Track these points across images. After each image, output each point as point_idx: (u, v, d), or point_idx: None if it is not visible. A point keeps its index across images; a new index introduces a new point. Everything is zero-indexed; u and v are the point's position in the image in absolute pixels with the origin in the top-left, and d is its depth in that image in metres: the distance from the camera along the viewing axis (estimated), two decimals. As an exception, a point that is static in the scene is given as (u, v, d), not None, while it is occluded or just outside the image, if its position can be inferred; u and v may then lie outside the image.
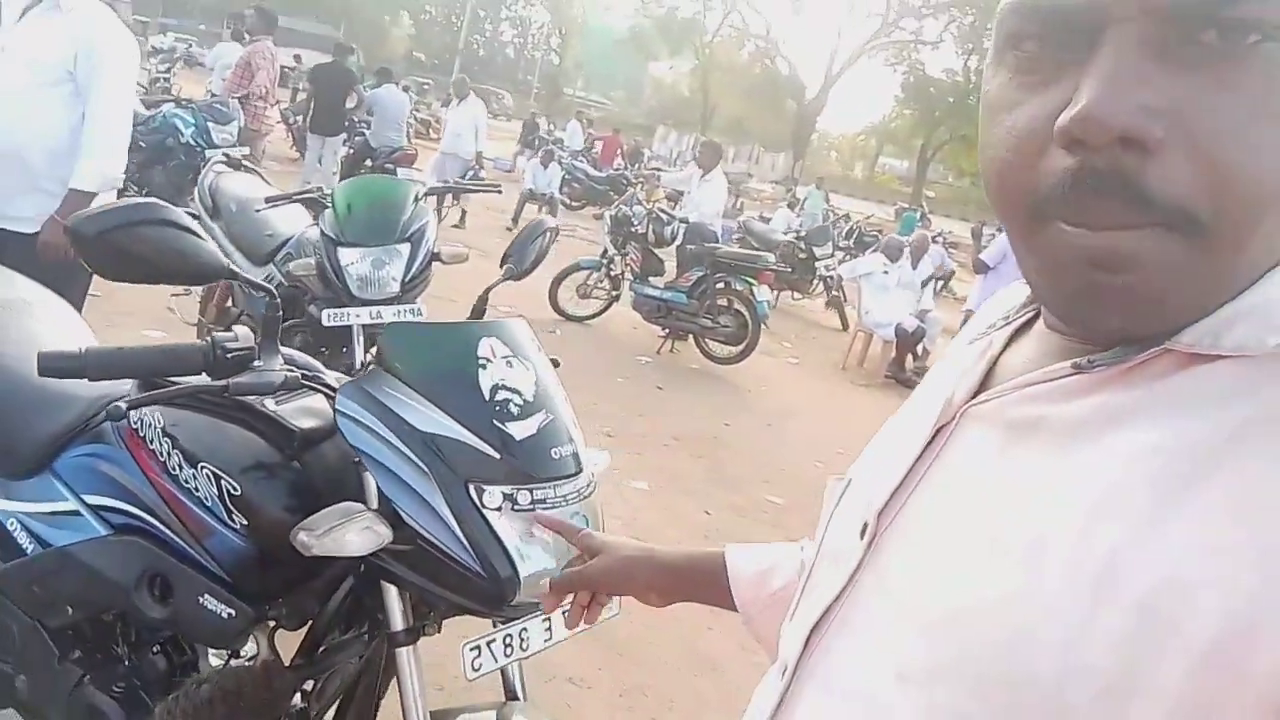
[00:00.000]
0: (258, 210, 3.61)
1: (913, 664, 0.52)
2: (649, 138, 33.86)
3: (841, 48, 38.85)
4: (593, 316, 7.98)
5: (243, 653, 1.57)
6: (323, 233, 3.18)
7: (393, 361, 1.32)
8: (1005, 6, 0.50)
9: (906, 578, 0.56)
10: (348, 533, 1.23)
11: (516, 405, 1.29)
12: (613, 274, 7.93)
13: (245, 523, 1.41)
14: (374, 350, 1.38)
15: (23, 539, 1.58)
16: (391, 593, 1.36)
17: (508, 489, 1.26)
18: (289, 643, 1.51)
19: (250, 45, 8.45)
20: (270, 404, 1.46)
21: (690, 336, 7.66)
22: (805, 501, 4.99)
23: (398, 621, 1.37)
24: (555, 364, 1.81)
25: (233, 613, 1.41)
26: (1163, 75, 0.44)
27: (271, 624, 1.49)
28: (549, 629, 1.43)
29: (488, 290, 1.68)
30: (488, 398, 1.29)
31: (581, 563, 0.99)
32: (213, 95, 8.99)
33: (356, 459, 1.32)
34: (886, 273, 8.62)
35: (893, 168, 55.10)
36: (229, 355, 1.30)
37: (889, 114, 46.33)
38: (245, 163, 4.50)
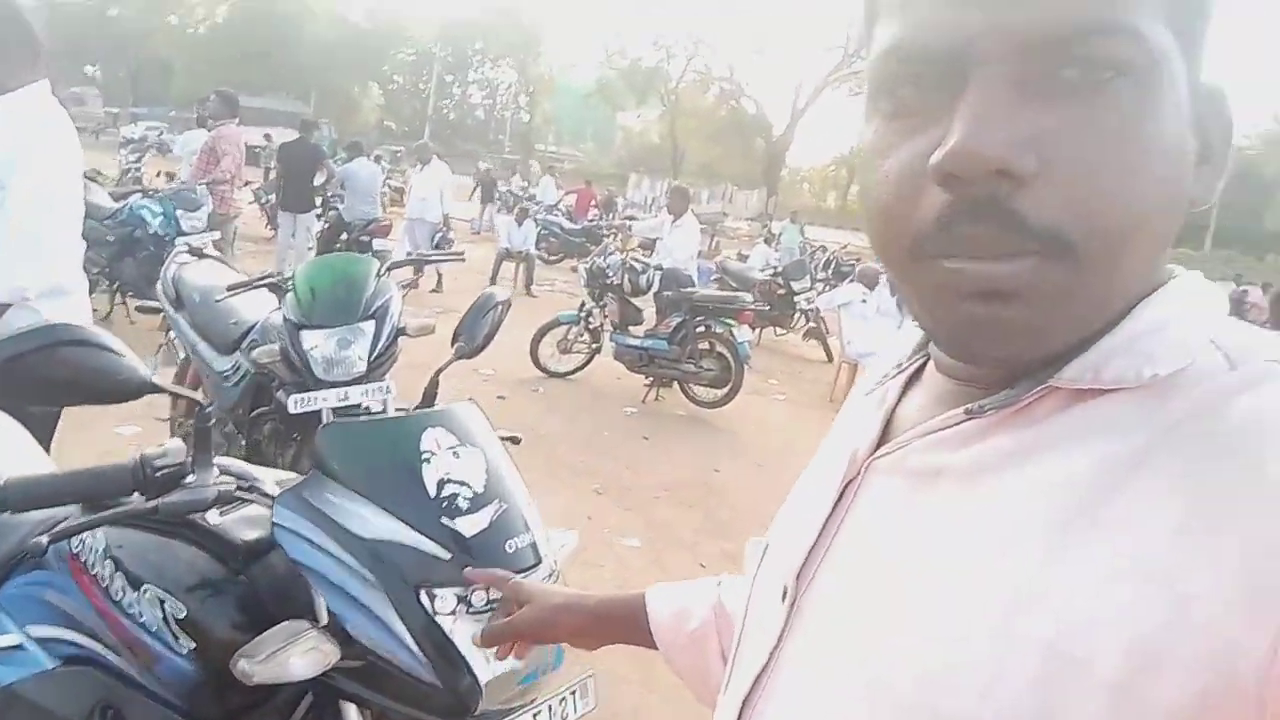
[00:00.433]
0: (218, 300, 3.56)
1: None
2: (622, 186, 34.06)
3: (805, 83, 39.38)
4: (575, 371, 7.93)
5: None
6: (285, 317, 3.13)
7: (331, 464, 1.26)
8: (875, 56, 0.52)
9: (828, 640, 0.57)
10: (291, 655, 1.16)
11: (465, 499, 1.23)
12: (592, 327, 7.89)
13: (193, 646, 1.33)
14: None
15: (-35, 678, 1.50)
16: (350, 710, 1.29)
17: (461, 590, 1.20)
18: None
19: (214, 130, 8.45)
20: (215, 516, 1.40)
21: (674, 383, 7.60)
22: (802, 543, 4.91)
23: (359, 740, 1.29)
24: (515, 441, 1.75)
25: (189, 741, 1.33)
26: (1028, 110, 0.46)
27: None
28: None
29: (437, 373, 1.63)
30: (434, 494, 1.23)
31: (508, 612, 1.02)
32: (181, 182, 8.99)
33: (302, 571, 1.25)
34: (865, 301, 8.60)
35: (866, 195, 55.42)
36: (159, 473, 1.24)
37: (857, 143, 46.74)
38: (209, 250, 4.46)
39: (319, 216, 10.88)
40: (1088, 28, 0.45)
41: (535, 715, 0.94)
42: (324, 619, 1.28)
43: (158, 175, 13.67)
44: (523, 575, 1.25)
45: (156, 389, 1.25)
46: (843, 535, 0.59)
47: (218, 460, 1.33)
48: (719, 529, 4.94)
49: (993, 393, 0.53)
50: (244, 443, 3.52)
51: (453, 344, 1.68)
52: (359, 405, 3.05)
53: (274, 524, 1.24)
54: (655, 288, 7.93)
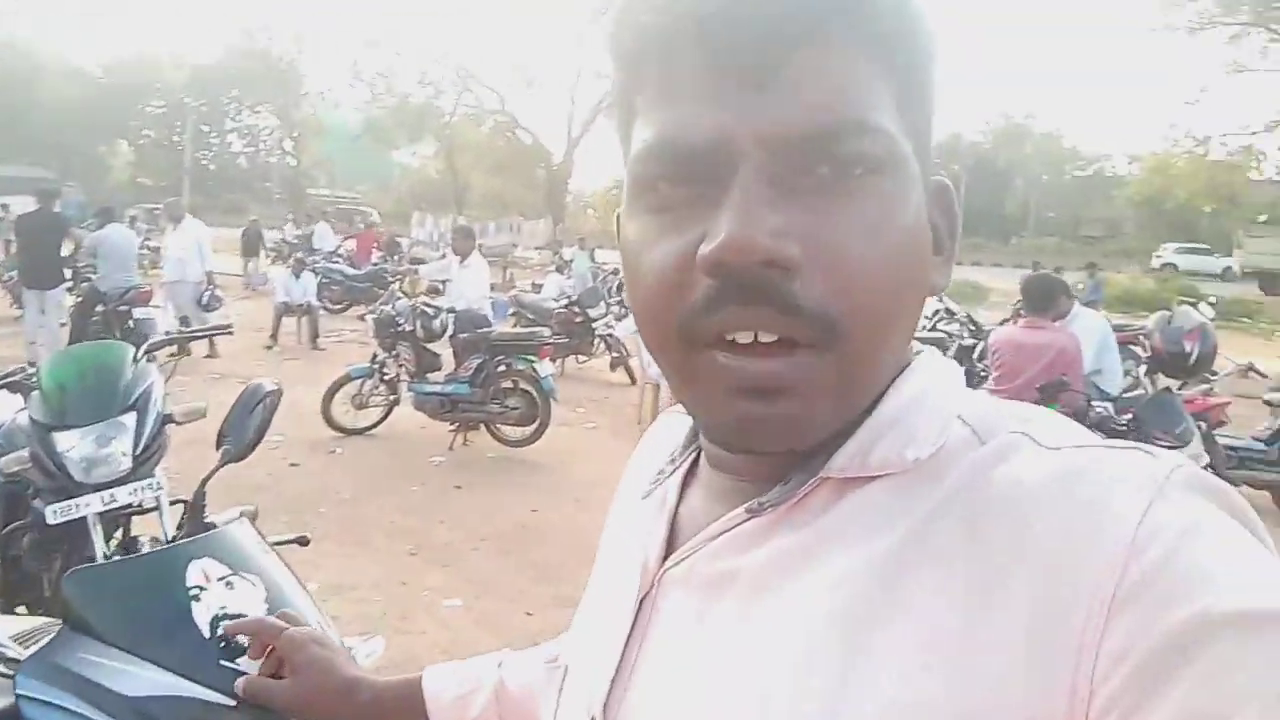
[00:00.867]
0: (-54, 407, 3.14)
1: None
2: (405, 225, 33.31)
3: (577, 111, 39.95)
4: (374, 426, 7.61)
5: None
6: (32, 418, 2.79)
7: (84, 616, 1.09)
8: (636, 154, 0.52)
9: None
10: None
11: (225, 628, 1.09)
12: (387, 378, 7.60)
13: None
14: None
15: None
16: None
17: (255, 739, 1.06)
18: None
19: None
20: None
21: (482, 425, 7.44)
22: (627, 574, 4.88)
23: None
24: (304, 542, 1.60)
25: None
26: (790, 204, 0.48)
27: None
28: None
29: (204, 483, 1.46)
30: (208, 635, 1.08)
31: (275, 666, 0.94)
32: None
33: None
34: (661, 323, 8.75)
35: (649, 214, 56.89)
36: None
37: (620, 239, 47.95)
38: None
39: (70, 290, 10.00)
40: (838, 129, 0.48)
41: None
42: (91, 797, 1.10)
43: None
44: None
45: None
46: (646, 656, 0.58)
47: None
48: (544, 574, 4.83)
49: (768, 486, 0.54)
50: (1, 560, 3.12)
51: (218, 446, 1.51)
52: (128, 505, 2.77)
53: (17, 697, 1.06)
54: (450, 331, 7.76)
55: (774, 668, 0.50)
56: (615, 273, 17.17)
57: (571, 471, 6.97)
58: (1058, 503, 0.46)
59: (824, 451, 0.53)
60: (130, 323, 9.00)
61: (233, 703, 1.06)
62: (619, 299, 14.32)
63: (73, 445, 2.72)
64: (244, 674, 1.08)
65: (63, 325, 9.13)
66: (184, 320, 10.13)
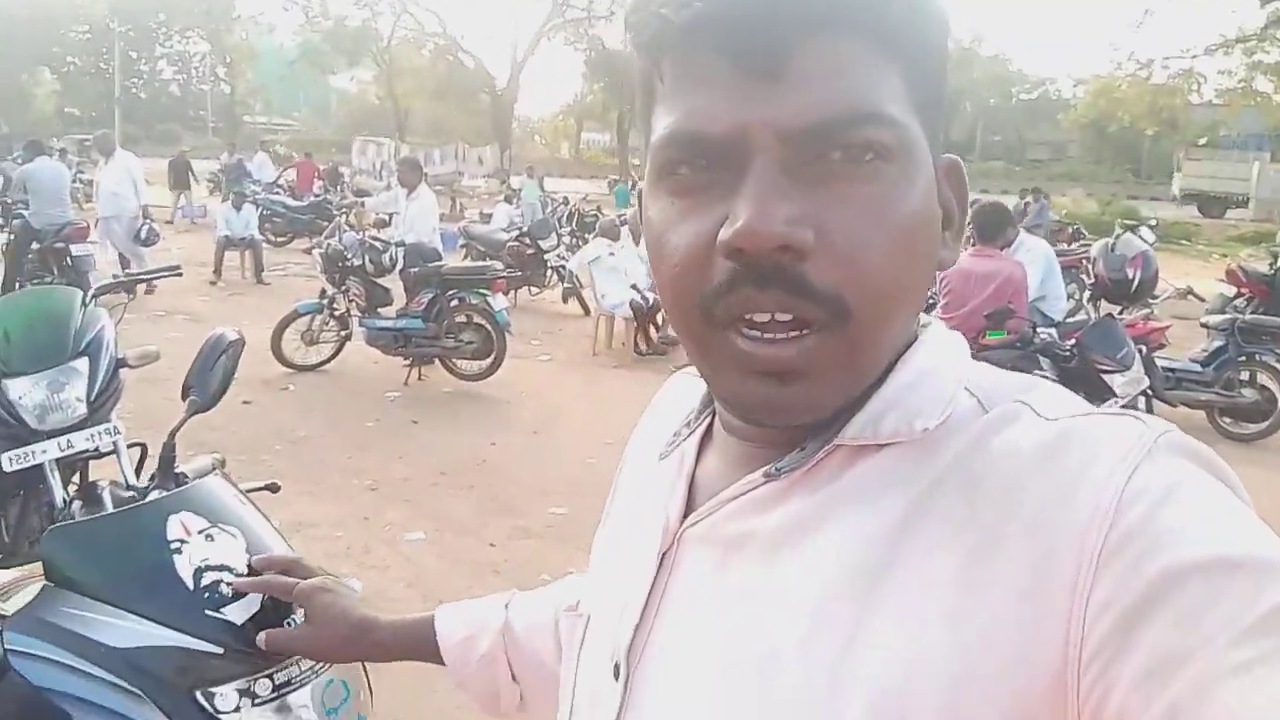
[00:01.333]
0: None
1: None
2: (346, 154, 32.49)
3: (520, 34, 39.02)
4: (326, 362, 7.54)
5: None
6: (-21, 366, 2.74)
7: (66, 573, 1.10)
8: (658, 140, 0.55)
9: (668, 715, 0.58)
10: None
11: (228, 585, 1.11)
12: (338, 313, 7.50)
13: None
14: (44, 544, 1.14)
15: None
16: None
17: (242, 684, 1.08)
18: None
19: None
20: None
21: (436, 360, 7.41)
22: (588, 504, 4.93)
23: None
24: (274, 488, 1.61)
25: None
26: (803, 191, 0.51)
27: None
28: None
29: (173, 434, 1.45)
30: (193, 587, 1.09)
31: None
32: None
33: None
34: (613, 254, 8.73)
35: (597, 142, 56.13)
36: None
37: (582, 91, 47.17)
38: None
39: (1, 228, 9.64)
40: (848, 118, 0.51)
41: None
42: (85, 746, 1.13)
43: None
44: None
45: None
46: (667, 608, 0.61)
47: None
48: (504, 507, 4.89)
49: (783, 452, 0.57)
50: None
51: (184, 397, 1.50)
52: (85, 451, 2.75)
53: (6, 651, 1.07)
54: (400, 265, 7.66)
55: (787, 621, 0.53)
56: (565, 202, 17.01)
57: (527, 405, 7.00)
58: (1051, 466, 0.49)
59: (837, 420, 0.56)
60: (68, 260, 8.73)
61: (220, 650, 1.09)
62: (570, 229, 14.23)
63: (25, 392, 2.68)
64: (229, 622, 1.11)
65: (-5, 265, 8.84)
66: (122, 258, 9.86)
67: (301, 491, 4.74)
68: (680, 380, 0.77)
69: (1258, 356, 6.69)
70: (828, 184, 0.51)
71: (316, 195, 17.60)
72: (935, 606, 0.49)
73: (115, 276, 3.86)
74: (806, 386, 0.53)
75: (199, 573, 1.11)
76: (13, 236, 9.59)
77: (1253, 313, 8.67)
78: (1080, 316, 6.26)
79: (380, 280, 7.60)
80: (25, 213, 9.79)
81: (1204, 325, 7.28)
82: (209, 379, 1.49)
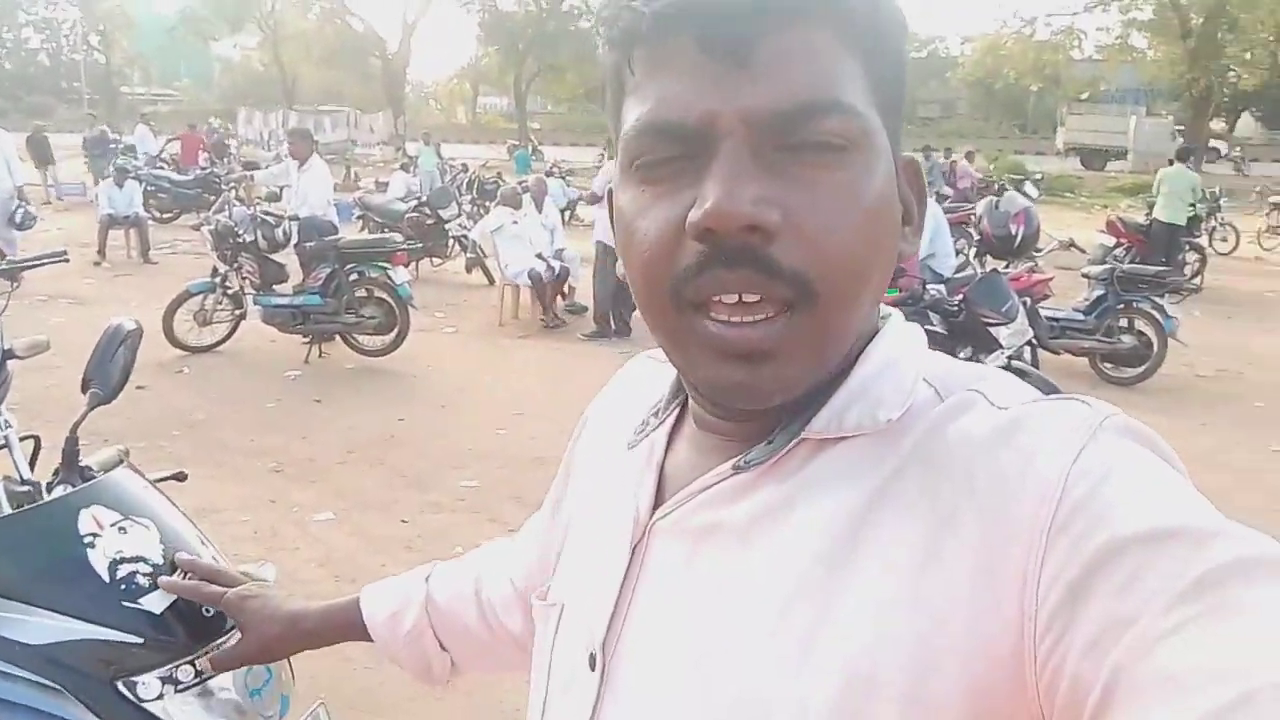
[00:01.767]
0: None
1: None
2: (232, 123, 31.26)
3: (411, -5, 37.99)
4: (221, 342, 7.32)
5: None
6: None
7: (-24, 572, 1.09)
8: (630, 130, 0.57)
9: (645, 702, 0.60)
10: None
11: (144, 575, 1.12)
12: (231, 291, 7.28)
13: None
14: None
15: None
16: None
17: (163, 671, 1.10)
18: None
19: None
20: None
21: (337, 337, 7.28)
22: (499, 475, 4.97)
23: None
24: (181, 478, 1.60)
25: None
26: (768, 175, 0.53)
27: None
28: None
29: (74, 428, 1.43)
30: (108, 579, 1.10)
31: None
32: None
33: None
34: (516, 223, 8.67)
35: (494, 106, 55.21)
36: None
37: (476, 54, 46.25)
38: None
39: None
40: (814, 105, 0.53)
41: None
42: (6, 748, 1.13)
43: None
44: (227, 636, 1.16)
45: None
46: (640, 596, 0.63)
47: None
48: (414, 481, 4.87)
49: (752, 444, 0.60)
50: None
51: (83, 390, 1.48)
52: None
53: None
54: (294, 240, 7.48)
55: (757, 608, 0.56)
56: (464, 169, 16.76)
57: (433, 378, 6.95)
58: (1002, 450, 0.52)
59: (803, 414, 0.58)
60: (-63, 246, 8.25)
61: (139, 639, 1.10)
62: (471, 197, 14.05)
63: (-98, 389, 2.56)
64: (147, 612, 1.12)
65: None
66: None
67: (204, 476, 4.64)
68: (645, 364, 0.79)
69: (1135, 304, 7.02)
70: (794, 169, 0.53)
71: (202, 169, 16.93)
72: (897, 589, 0.51)
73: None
74: (776, 367, 0.55)
75: (114, 565, 1.11)
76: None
77: (1131, 262, 9.15)
78: (968, 272, 6.51)
79: (274, 256, 7.40)
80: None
81: (1085, 276, 7.63)
82: (109, 370, 1.47)
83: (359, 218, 11.92)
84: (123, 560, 1.12)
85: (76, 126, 24.21)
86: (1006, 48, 32.04)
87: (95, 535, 1.12)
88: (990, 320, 5.41)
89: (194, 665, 1.12)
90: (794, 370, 0.56)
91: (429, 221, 10.91)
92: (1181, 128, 28.46)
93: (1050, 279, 7.10)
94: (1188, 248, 11.39)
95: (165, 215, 15.08)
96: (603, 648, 0.63)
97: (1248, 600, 0.42)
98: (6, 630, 1.06)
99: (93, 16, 45.23)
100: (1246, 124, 40.27)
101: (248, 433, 5.53)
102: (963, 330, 5.37)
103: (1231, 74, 30.44)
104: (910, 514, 0.53)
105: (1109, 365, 7.15)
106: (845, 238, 0.54)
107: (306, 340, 7.25)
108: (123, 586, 1.11)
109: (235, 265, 7.25)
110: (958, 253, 7.62)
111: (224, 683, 1.17)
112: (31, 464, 2.61)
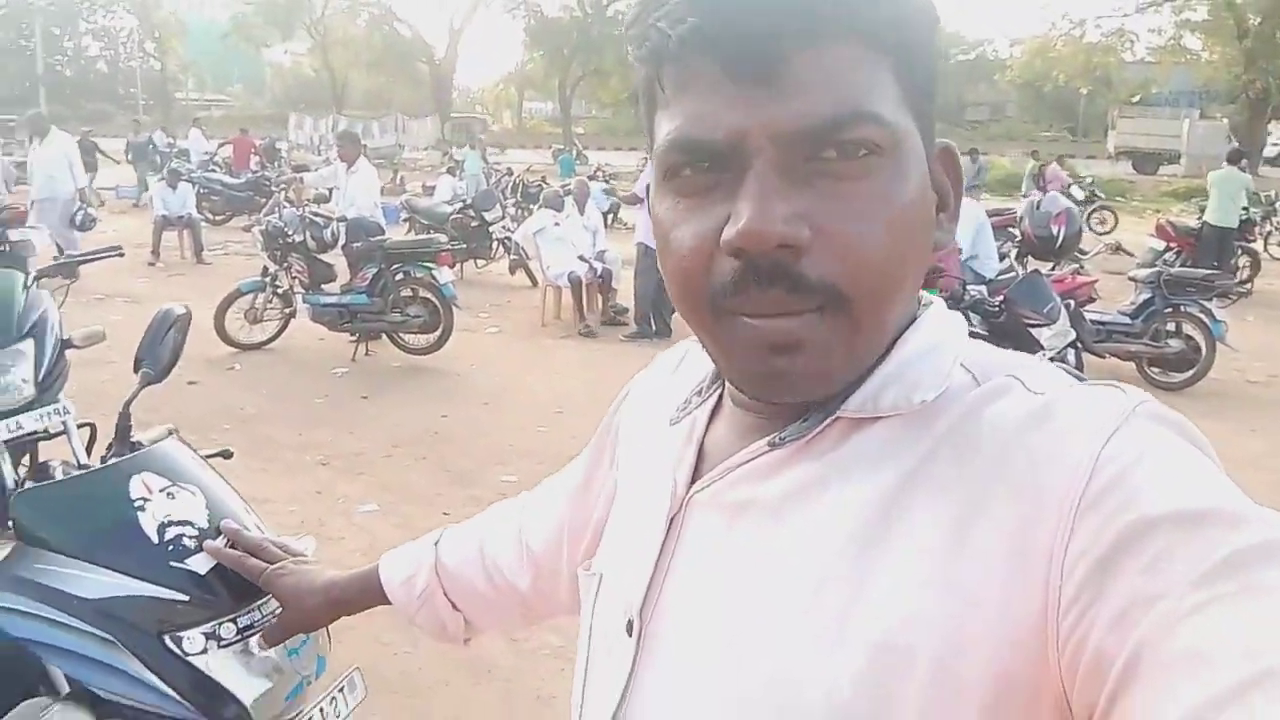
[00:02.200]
0: None
1: None
2: (283, 128, 31.85)
3: (457, 1, 38.45)
4: (271, 340, 7.50)
5: None
6: (-79, 356, 2.74)
7: (36, 533, 1.17)
8: (662, 145, 0.59)
9: (680, 669, 0.62)
10: (42, 738, 1.09)
11: (190, 538, 1.19)
12: (281, 290, 7.46)
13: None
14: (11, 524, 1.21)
15: None
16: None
17: (207, 628, 1.17)
18: None
19: None
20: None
21: (383, 335, 7.42)
22: (539, 471, 4.93)
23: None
24: (227, 455, 1.68)
25: None
26: (800, 190, 0.54)
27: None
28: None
29: (127, 405, 1.52)
30: (157, 540, 1.17)
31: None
32: None
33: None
34: (558, 224, 8.76)
35: (539, 110, 55.65)
36: None
37: (522, 60, 46.67)
38: None
39: (-72, 213, 9.37)
40: (839, 119, 0.54)
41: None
42: (64, 689, 1.20)
43: None
44: (268, 599, 1.23)
45: None
46: (677, 567, 0.65)
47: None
48: (457, 477, 4.96)
49: (787, 423, 0.61)
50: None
51: (135, 370, 1.57)
52: (34, 432, 2.77)
53: None
54: (342, 240, 7.63)
55: (792, 581, 0.57)
56: (509, 173, 16.92)
57: (477, 377, 7.05)
58: (1034, 433, 0.54)
59: (839, 394, 0.59)
60: (5, 245, 8.54)
61: (185, 597, 1.17)
62: (515, 200, 14.19)
63: (-32, 375, 2.69)
64: (192, 572, 1.19)
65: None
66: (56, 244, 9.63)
67: (253, 468, 4.77)
68: (693, 346, 0.79)
69: (1183, 308, 6.90)
70: (823, 182, 0.55)
71: (253, 172, 17.31)
72: (929, 567, 0.53)
73: (55, 259, 3.83)
74: (810, 357, 0.56)
75: (162, 527, 1.19)
76: (-58, 222, 9.36)
77: (1180, 266, 8.99)
78: (1010, 274, 6.46)
79: (323, 256, 7.56)
80: (-46, 197, 9.55)
81: (1132, 279, 7.51)
82: (160, 351, 1.55)
83: (405, 220, 12.10)
84: (170, 523, 1.19)
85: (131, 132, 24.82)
86: (1056, 50, 31.59)
87: (145, 499, 1.20)
88: (1031, 321, 5.38)
89: (236, 623, 1.19)
90: (829, 361, 0.57)
91: (473, 223, 11.05)
92: (1236, 131, 27.82)
93: (1094, 281, 7.01)
94: (1240, 251, 11.16)
95: (218, 217, 15.43)
96: (640, 615, 0.65)
97: (1274, 582, 0.43)
98: (65, 585, 1.14)
99: (149, 24, 46.37)
100: (1306, 126, 39.26)
101: (296, 427, 5.66)
102: (1003, 331, 5.34)
103: (1290, 75, 29.71)
104: (943, 496, 0.54)
105: (1156, 370, 7.03)
106: (875, 245, 0.55)
107: (354, 338, 7.39)
108: (170, 547, 1.18)
109: (285, 265, 7.42)
110: (1001, 256, 7.57)
111: (263, 641, 1.24)
112: (88, 450, 2.74)
